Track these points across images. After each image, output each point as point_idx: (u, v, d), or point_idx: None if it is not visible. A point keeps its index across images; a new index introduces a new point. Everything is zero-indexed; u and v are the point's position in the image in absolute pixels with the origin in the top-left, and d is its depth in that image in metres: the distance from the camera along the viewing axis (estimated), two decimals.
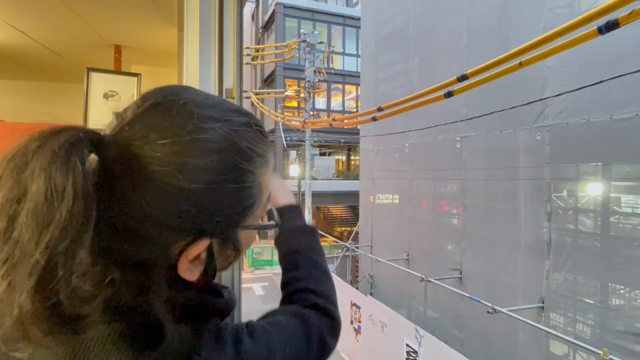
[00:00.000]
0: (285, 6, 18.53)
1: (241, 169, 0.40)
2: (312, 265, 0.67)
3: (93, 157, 0.35)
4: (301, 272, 0.65)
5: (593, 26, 2.54)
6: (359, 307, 6.57)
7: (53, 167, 0.31)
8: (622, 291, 4.18)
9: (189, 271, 0.40)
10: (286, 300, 0.62)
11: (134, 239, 0.36)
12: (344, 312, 7.18)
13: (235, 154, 0.40)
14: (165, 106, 0.39)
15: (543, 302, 4.64)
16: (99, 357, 0.35)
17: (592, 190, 4.35)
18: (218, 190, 0.38)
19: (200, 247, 0.39)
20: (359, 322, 6.53)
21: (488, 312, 4.25)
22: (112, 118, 0.40)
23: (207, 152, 0.38)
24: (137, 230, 0.36)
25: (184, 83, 0.68)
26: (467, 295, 4.96)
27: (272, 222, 0.56)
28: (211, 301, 0.45)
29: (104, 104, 1.93)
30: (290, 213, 0.72)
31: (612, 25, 2.41)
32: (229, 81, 0.60)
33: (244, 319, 0.53)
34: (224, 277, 0.72)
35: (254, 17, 23.69)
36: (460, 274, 5.97)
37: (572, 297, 4.44)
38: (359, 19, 11.29)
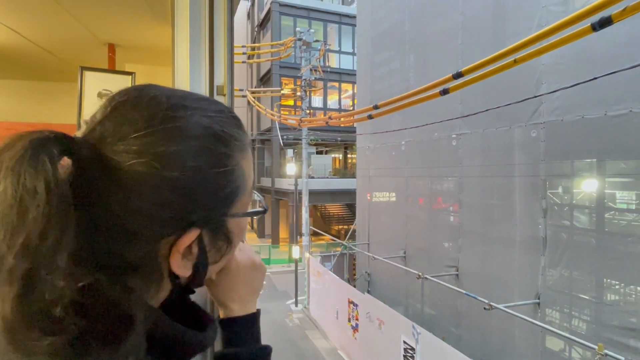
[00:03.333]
0: (281, 4, 18.51)
1: (220, 153, 0.39)
2: None
3: (66, 160, 0.33)
4: None
5: (587, 23, 2.55)
6: (356, 305, 6.58)
7: (21, 166, 0.29)
8: (617, 286, 4.21)
9: (183, 267, 0.39)
10: None
11: (119, 236, 0.35)
12: (342, 310, 7.20)
13: (211, 138, 0.39)
14: (133, 101, 0.38)
15: (539, 298, 4.67)
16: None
17: (587, 186, 4.37)
18: (199, 176, 0.37)
19: (190, 238, 0.38)
20: (357, 320, 6.54)
21: (485, 308, 4.28)
22: (83, 126, 0.39)
23: (183, 138, 0.37)
24: (122, 225, 0.34)
25: (176, 80, 0.68)
26: (464, 292, 4.98)
27: (260, 209, 0.53)
28: (183, 333, 0.41)
29: (98, 103, 1.91)
30: (252, 330, 0.57)
31: (606, 22, 2.43)
32: (220, 78, 0.60)
33: None
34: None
35: (250, 15, 23.61)
36: (457, 270, 5.99)
37: (568, 292, 4.47)
38: (354, 17, 11.29)
